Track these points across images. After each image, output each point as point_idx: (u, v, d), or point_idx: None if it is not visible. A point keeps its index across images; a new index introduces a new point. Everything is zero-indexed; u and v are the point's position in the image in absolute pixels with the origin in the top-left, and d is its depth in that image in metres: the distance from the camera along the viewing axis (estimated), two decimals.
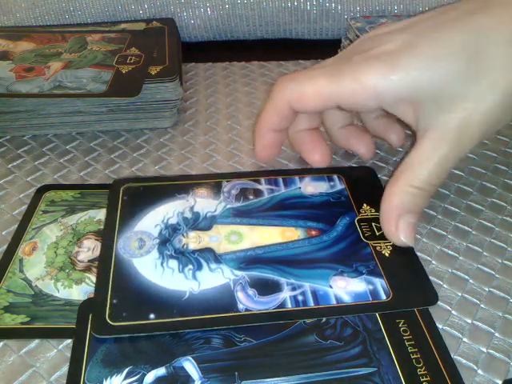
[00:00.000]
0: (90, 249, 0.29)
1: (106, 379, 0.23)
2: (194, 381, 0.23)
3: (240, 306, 0.25)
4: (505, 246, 0.30)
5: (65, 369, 0.24)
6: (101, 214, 0.31)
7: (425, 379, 0.23)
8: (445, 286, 0.28)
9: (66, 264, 0.28)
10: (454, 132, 0.25)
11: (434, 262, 0.29)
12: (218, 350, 0.24)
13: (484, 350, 0.25)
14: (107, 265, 0.27)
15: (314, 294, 0.26)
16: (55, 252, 0.29)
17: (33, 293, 0.27)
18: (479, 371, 0.24)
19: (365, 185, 0.33)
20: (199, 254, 0.28)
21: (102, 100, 0.37)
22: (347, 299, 0.26)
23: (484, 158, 0.37)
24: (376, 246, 0.29)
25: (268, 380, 0.23)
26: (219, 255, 0.28)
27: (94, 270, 0.28)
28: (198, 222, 0.30)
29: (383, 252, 0.28)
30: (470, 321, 0.26)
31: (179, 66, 0.42)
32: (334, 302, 0.26)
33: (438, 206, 0.33)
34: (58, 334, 0.25)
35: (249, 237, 0.29)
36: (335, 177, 0.34)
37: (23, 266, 0.28)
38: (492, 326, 0.26)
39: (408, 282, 0.27)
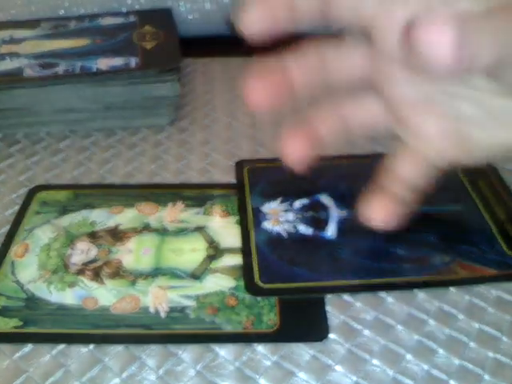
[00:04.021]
0: (83, 251, 0.28)
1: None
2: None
3: None
4: None
5: (59, 374, 0.23)
6: (94, 215, 0.31)
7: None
8: (451, 289, 0.27)
9: (59, 267, 0.28)
10: None
11: None
12: None
13: (491, 354, 0.24)
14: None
15: None
16: (48, 254, 0.28)
17: (25, 296, 0.26)
18: (485, 376, 0.23)
19: None
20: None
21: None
22: None
23: None
24: None
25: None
26: None
27: (88, 273, 0.27)
28: None
29: None
30: (477, 325, 0.25)
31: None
32: None
33: None
34: (51, 339, 0.24)
35: None
36: None
37: (15, 269, 0.27)
38: (500, 330, 0.25)
39: None
